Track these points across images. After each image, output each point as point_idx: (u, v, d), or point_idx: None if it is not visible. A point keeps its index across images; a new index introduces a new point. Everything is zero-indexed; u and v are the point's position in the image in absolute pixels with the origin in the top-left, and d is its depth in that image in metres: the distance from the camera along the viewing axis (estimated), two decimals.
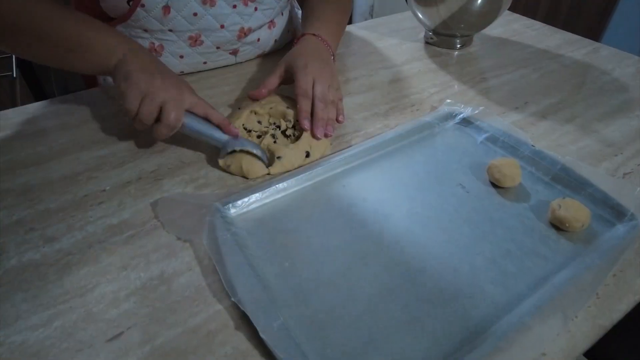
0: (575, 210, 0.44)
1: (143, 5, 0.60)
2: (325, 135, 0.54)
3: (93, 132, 0.59)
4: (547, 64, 0.78)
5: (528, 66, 0.77)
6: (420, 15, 0.80)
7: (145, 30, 0.65)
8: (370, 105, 0.65)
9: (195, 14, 0.64)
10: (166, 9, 0.62)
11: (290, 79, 0.58)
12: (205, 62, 0.72)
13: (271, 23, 0.74)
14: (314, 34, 0.64)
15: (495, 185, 0.50)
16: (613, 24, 1.68)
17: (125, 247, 0.43)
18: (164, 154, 0.55)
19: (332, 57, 0.64)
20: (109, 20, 0.65)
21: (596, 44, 0.85)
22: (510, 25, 0.93)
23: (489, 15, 0.77)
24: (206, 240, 0.41)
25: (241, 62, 0.77)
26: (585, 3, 1.72)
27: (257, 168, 0.50)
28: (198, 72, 0.73)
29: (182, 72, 0.72)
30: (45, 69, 0.88)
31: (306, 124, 0.53)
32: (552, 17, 1.82)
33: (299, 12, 0.94)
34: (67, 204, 0.48)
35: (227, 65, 0.76)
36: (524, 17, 0.97)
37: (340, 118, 0.57)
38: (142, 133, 0.58)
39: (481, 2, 0.73)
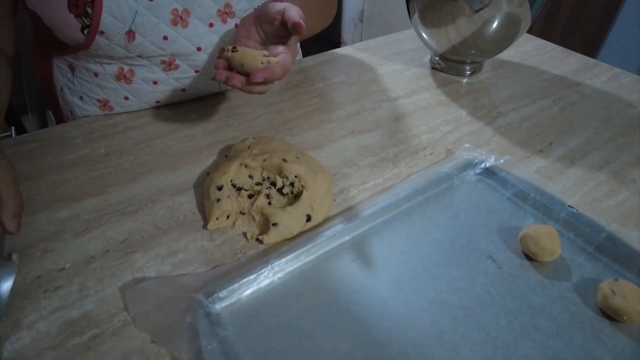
0: (633, 298, 0.37)
1: (102, 33, 0.51)
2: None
3: (51, 186, 0.50)
4: (566, 93, 0.71)
5: (546, 97, 0.70)
6: (427, 38, 0.73)
7: (111, 57, 0.56)
8: (377, 148, 0.57)
9: (165, 38, 0.55)
10: (130, 34, 0.53)
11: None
12: (184, 90, 0.63)
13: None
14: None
15: (529, 256, 0.43)
16: (610, 40, 1.63)
17: (86, 356, 0.34)
18: (136, 217, 0.46)
19: None
20: (69, 48, 0.56)
21: (615, 69, 0.78)
22: (521, 47, 0.85)
23: (504, 41, 0.69)
24: (187, 355, 0.33)
25: (228, 90, 0.68)
26: (582, 18, 1.67)
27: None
28: (176, 105, 0.64)
29: (158, 101, 0.63)
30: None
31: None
32: (547, 32, 1.77)
33: None
34: (16, 289, 0.39)
35: (210, 94, 0.67)
36: (535, 38, 0.90)
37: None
38: (111, 188, 0.49)
39: (497, 27, 0.65)
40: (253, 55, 0.47)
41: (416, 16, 0.71)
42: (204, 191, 0.47)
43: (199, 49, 0.58)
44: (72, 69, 0.60)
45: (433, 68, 0.77)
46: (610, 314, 0.38)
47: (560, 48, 0.86)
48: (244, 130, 0.60)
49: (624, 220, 0.48)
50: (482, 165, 0.52)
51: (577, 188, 0.52)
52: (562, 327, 0.37)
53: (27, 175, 0.52)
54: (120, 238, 0.44)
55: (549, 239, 0.42)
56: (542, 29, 1.76)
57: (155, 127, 0.60)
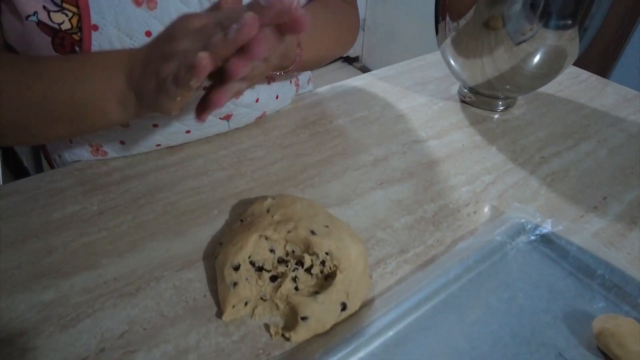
0: None
1: None
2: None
3: (35, 255, 0.43)
4: (610, 132, 0.64)
5: (590, 137, 0.63)
6: (458, 69, 0.66)
7: None
8: (413, 204, 0.50)
9: None
10: None
11: None
12: (188, 132, 0.55)
13: (269, 76, 0.58)
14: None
15: (605, 353, 0.36)
16: (622, 62, 1.58)
17: None
18: (136, 300, 0.39)
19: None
20: None
21: None
22: None
23: (545, 77, 0.63)
24: None
25: (238, 128, 0.61)
26: (594, 40, 1.62)
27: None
28: (180, 148, 0.57)
29: (159, 144, 0.55)
30: None
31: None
32: None
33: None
34: None
35: (218, 134, 0.59)
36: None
37: None
38: (106, 259, 0.42)
39: (539, 62, 0.59)
40: None
41: (447, 43, 0.64)
42: (217, 270, 0.40)
43: (205, 88, 0.50)
44: None
45: (462, 101, 0.70)
46: None
47: (595, 77, 0.80)
48: (259, 180, 0.53)
49: None
50: (537, 232, 0.45)
51: None
52: None
53: (7, 240, 0.44)
54: (117, 331, 0.37)
55: (634, 338, 0.35)
56: None
57: (157, 177, 0.53)
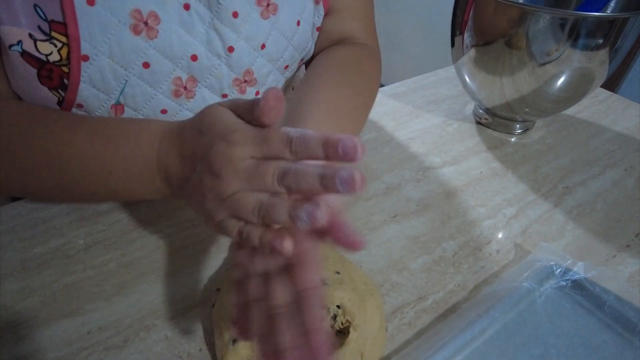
0: None
1: (81, 106, 0.40)
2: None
3: (11, 299, 0.38)
4: (637, 159, 0.60)
5: (615, 164, 0.59)
6: (474, 89, 0.62)
7: None
8: (430, 242, 0.46)
9: (164, 111, 0.43)
10: (118, 107, 0.41)
11: None
12: None
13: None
14: None
15: None
16: (630, 76, 1.55)
17: None
18: (124, 354, 0.35)
19: None
20: None
21: None
22: None
23: (568, 101, 0.58)
24: None
25: None
26: None
27: None
28: None
29: None
30: None
31: None
32: None
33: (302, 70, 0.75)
34: None
35: None
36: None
37: None
38: (90, 304, 0.37)
39: (563, 85, 0.55)
40: None
41: (464, 60, 0.60)
42: (214, 322, 0.36)
43: None
44: None
45: (478, 122, 0.66)
46: None
47: (615, 96, 0.76)
48: None
49: None
50: (568, 277, 0.41)
51: None
52: None
53: None
54: None
55: None
56: None
57: (149, 208, 0.48)
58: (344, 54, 0.50)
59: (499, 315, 0.38)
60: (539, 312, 0.39)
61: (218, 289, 0.38)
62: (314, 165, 0.25)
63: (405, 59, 2.30)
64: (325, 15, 0.51)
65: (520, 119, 0.63)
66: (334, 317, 0.34)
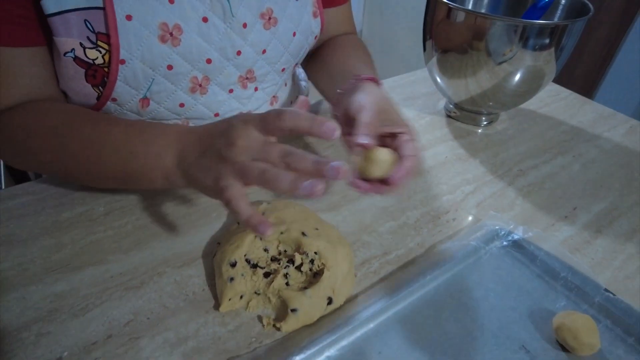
0: None
1: (115, 100, 0.48)
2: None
3: (46, 251, 0.46)
4: (585, 148, 0.69)
5: (566, 152, 0.68)
6: (444, 86, 0.70)
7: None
8: (397, 211, 0.54)
9: (182, 105, 0.52)
10: (144, 101, 0.49)
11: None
12: None
13: (274, 98, 0.63)
14: (372, 78, 0.49)
15: (562, 345, 0.40)
16: (610, 76, 1.64)
17: None
18: (140, 293, 0.43)
19: None
20: None
21: (632, 121, 0.77)
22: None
23: (525, 95, 0.67)
24: None
25: None
26: (583, 53, 1.68)
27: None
28: None
29: None
30: None
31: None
32: None
33: (299, 70, 0.84)
34: None
35: None
36: (550, 83, 0.88)
37: None
38: (112, 255, 0.46)
39: (519, 81, 0.63)
40: (379, 159, 0.41)
41: (433, 61, 0.68)
42: (215, 266, 0.44)
43: (216, 114, 0.55)
44: None
45: (448, 116, 0.75)
46: None
47: (575, 95, 0.85)
48: (255, 187, 0.56)
49: None
50: (510, 238, 0.49)
51: (607, 262, 0.49)
52: None
53: (19, 237, 0.48)
54: (124, 320, 0.40)
55: (587, 332, 0.39)
56: None
57: None
58: (346, 43, 0.65)
59: (448, 266, 0.46)
60: (483, 265, 0.47)
61: (219, 243, 0.47)
62: (311, 154, 0.34)
63: (398, 61, 2.39)
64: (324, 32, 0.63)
65: (485, 112, 0.72)
66: (312, 262, 0.42)
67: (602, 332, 0.41)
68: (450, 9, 0.61)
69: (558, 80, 0.88)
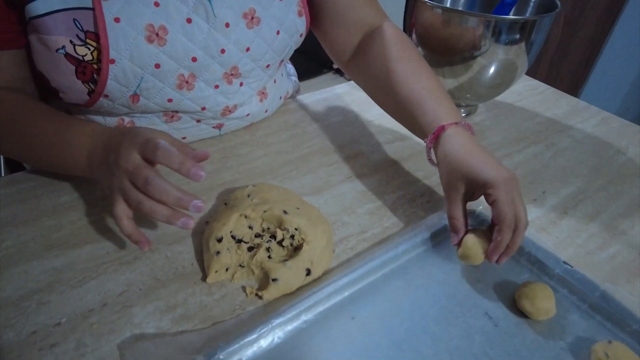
0: None
1: (107, 96, 0.51)
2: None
3: (46, 231, 0.50)
4: (558, 138, 0.73)
5: (539, 142, 0.71)
6: None
7: (112, 113, 0.56)
8: (376, 195, 0.58)
9: (170, 100, 0.55)
10: (134, 97, 0.53)
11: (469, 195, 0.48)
12: (184, 138, 0.63)
13: (262, 94, 0.66)
14: (455, 123, 0.50)
15: (522, 312, 0.44)
16: (595, 74, 1.68)
17: None
18: (134, 267, 0.46)
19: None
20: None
21: (604, 113, 0.81)
22: (514, 88, 0.87)
23: (499, 87, 0.71)
24: None
25: (227, 133, 0.68)
26: (568, 52, 1.72)
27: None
28: None
29: None
30: None
31: (503, 258, 0.44)
32: (535, 65, 1.82)
33: (289, 65, 0.87)
34: (10, 346, 0.38)
35: (209, 138, 0.67)
36: (528, 78, 0.92)
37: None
38: (107, 234, 0.49)
39: (493, 74, 0.67)
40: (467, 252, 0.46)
41: None
42: (203, 242, 0.47)
43: (203, 108, 0.58)
44: (68, 114, 0.60)
45: None
46: None
47: (552, 89, 0.88)
48: (243, 173, 0.60)
49: (616, 275, 0.49)
50: (480, 218, 0.53)
51: (570, 240, 0.53)
52: None
53: (22, 218, 0.51)
54: (118, 290, 0.44)
55: (544, 299, 0.42)
56: (528, 69, 1.81)
57: None
58: (398, 52, 0.58)
59: (420, 242, 0.50)
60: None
61: (207, 222, 0.50)
62: (173, 188, 0.40)
63: None
64: (340, 14, 0.61)
65: (463, 104, 0.76)
66: (292, 237, 0.46)
67: (559, 300, 0.45)
68: (427, 7, 0.65)
69: (545, 78, 0.93)
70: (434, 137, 0.51)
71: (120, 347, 0.39)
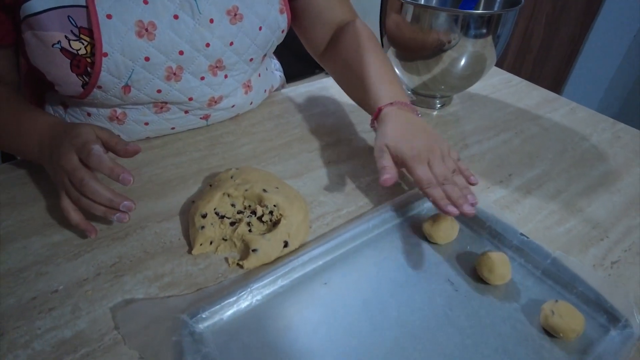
0: (569, 317, 0.42)
1: (100, 87, 0.55)
2: (472, 206, 0.49)
3: (45, 211, 0.54)
4: (527, 126, 0.77)
5: (509, 129, 0.76)
6: (400, 75, 0.78)
7: (105, 104, 0.60)
8: (351, 178, 0.62)
9: (159, 91, 0.59)
10: (126, 88, 0.57)
11: (401, 163, 0.54)
12: (173, 128, 0.67)
13: (247, 87, 0.70)
14: (390, 103, 0.58)
15: (484, 280, 0.48)
16: (576, 70, 1.73)
17: None
18: (125, 242, 0.50)
19: (418, 115, 0.60)
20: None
21: (572, 104, 0.85)
22: (489, 81, 0.92)
23: (471, 77, 0.75)
24: None
25: (214, 123, 0.72)
26: (550, 50, 1.78)
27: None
28: (164, 136, 0.69)
29: (148, 137, 0.67)
30: None
31: (451, 209, 0.48)
32: (519, 64, 1.87)
33: (274, 61, 0.91)
34: (11, 310, 0.42)
35: (197, 127, 0.71)
36: (502, 71, 0.96)
37: (471, 179, 0.54)
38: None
39: (464, 65, 0.72)
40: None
41: (390, 52, 0.77)
42: (189, 219, 0.51)
43: (190, 99, 0.62)
44: (64, 105, 0.64)
45: None
46: (550, 332, 0.43)
47: (525, 82, 0.93)
48: (228, 159, 0.64)
49: (570, 247, 0.53)
50: None
51: (531, 217, 0.57)
52: (509, 343, 0.42)
53: (21, 200, 0.55)
54: (110, 262, 0.48)
55: (500, 265, 0.47)
56: (514, 62, 1.86)
57: (144, 155, 0.64)
58: (360, 42, 0.66)
59: (389, 217, 0.54)
60: (421, 218, 0.55)
61: (193, 201, 0.54)
62: (105, 190, 0.46)
63: None
64: (318, 14, 0.69)
65: (438, 96, 0.80)
66: (271, 213, 0.50)
67: (516, 268, 0.49)
68: (401, 4, 0.69)
69: (529, 77, 0.97)
70: (374, 118, 0.59)
71: (113, 309, 0.43)
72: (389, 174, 0.50)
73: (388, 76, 0.63)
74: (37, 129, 0.52)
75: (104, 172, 0.46)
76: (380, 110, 0.58)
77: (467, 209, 0.48)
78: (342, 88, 0.71)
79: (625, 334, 0.42)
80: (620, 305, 0.44)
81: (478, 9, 0.77)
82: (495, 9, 0.76)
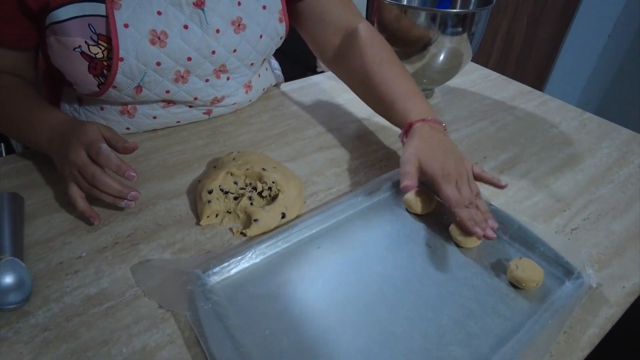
0: (530, 270, 0.48)
1: (115, 87, 0.61)
2: (492, 230, 0.52)
3: (63, 193, 0.59)
4: (502, 116, 0.84)
5: (486, 118, 0.83)
6: None
7: (118, 101, 0.66)
8: (342, 161, 0.68)
9: (167, 91, 0.65)
10: (138, 88, 0.63)
11: (429, 179, 0.56)
12: (178, 121, 0.73)
13: (248, 87, 0.77)
14: (422, 120, 0.61)
15: (455, 243, 0.54)
16: (557, 67, 1.82)
17: (106, 320, 0.43)
18: (139, 217, 0.56)
19: (445, 130, 0.62)
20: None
21: (545, 96, 0.93)
22: (468, 76, 0.99)
23: (450, 71, 0.82)
24: (188, 312, 0.42)
25: (215, 116, 0.78)
26: (532, 49, 1.86)
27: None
28: (169, 127, 0.75)
29: (155, 129, 0.73)
30: None
31: (478, 230, 0.51)
32: (503, 62, 1.95)
33: (273, 61, 0.98)
34: (41, 273, 0.48)
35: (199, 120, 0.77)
36: (481, 67, 1.04)
37: (501, 183, 0.57)
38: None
39: (443, 60, 0.78)
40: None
41: None
42: (196, 195, 0.57)
43: (195, 98, 0.69)
44: (80, 100, 0.69)
45: None
46: (514, 283, 0.49)
47: (502, 77, 1.00)
48: (229, 147, 0.70)
49: (536, 217, 0.60)
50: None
51: (503, 192, 0.64)
52: (479, 293, 0.48)
53: (41, 183, 0.61)
54: (126, 233, 0.53)
55: None
56: (498, 61, 1.94)
57: (152, 144, 0.70)
58: (374, 56, 0.68)
59: (377, 192, 0.60)
60: (404, 193, 0.62)
61: (199, 180, 0.60)
62: (113, 182, 0.52)
63: None
64: (318, 17, 0.71)
65: (421, 89, 0.87)
66: (270, 189, 0.56)
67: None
68: (385, 5, 0.76)
69: (512, 75, 1.04)
70: (404, 133, 0.62)
71: (132, 269, 0.49)
72: (411, 181, 0.53)
73: (414, 90, 0.65)
74: (48, 123, 0.58)
75: (112, 169, 0.52)
76: (411, 125, 0.61)
77: (490, 234, 0.51)
78: (360, 97, 0.73)
79: (577, 283, 0.49)
80: (574, 261, 0.51)
81: (454, 9, 0.84)
82: (471, 8, 0.83)
